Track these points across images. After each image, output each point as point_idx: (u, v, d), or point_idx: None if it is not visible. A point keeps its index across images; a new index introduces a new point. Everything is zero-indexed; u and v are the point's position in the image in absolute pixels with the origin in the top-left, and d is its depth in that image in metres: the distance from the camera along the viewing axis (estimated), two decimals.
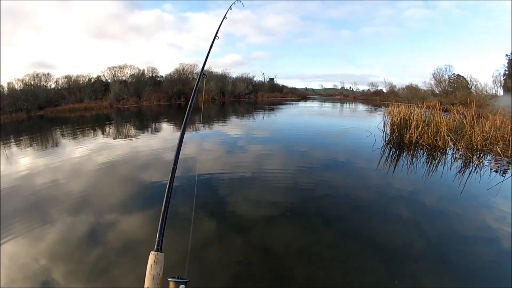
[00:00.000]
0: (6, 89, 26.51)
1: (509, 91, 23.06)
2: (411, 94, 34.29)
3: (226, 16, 2.93)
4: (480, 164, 6.68)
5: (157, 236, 1.22)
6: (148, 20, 76.14)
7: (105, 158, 7.39)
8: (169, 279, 1.16)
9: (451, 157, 7.39)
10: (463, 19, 70.03)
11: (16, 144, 10.82)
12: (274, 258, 3.09)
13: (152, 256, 1.13)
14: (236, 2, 3.27)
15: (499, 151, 7.27)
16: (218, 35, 2.60)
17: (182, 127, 1.79)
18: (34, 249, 3.29)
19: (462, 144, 8.09)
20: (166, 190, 1.42)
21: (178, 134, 1.76)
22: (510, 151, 7.37)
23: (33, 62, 54.17)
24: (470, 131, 8.26)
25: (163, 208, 1.31)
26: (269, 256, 3.15)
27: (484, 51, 65.05)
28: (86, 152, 8.30)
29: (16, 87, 27.45)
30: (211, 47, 2.50)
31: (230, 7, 3.13)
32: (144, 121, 18.52)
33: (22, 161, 7.56)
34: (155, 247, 1.19)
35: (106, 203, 4.54)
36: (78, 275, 2.82)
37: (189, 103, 1.92)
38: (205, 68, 2.49)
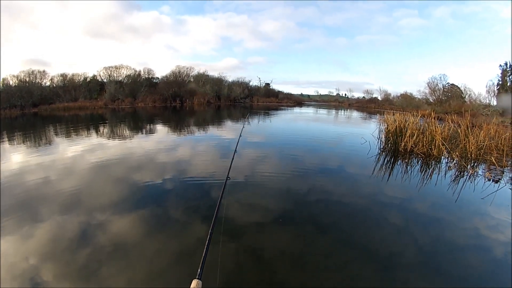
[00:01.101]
0: (0, 85, 26.28)
1: (502, 101, 23.34)
2: (406, 102, 34.56)
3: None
4: (474, 173, 6.71)
5: (200, 267, 1.44)
6: (146, 22, 76.23)
7: (98, 158, 7.31)
8: None
9: (446, 166, 7.42)
10: (458, 29, 71.11)
11: (8, 140, 10.68)
12: (266, 266, 3.05)
13: (194, 281, 1.31)
14: None
15: (493, 160, 7.32)
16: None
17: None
18: (24, 248, 3.22)
19: (457, 153, 8.13)
20: (211, 225, 1.61)
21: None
22: (504, 160, 7.42)
23: (28, 59, 54.02)
24: (464, 140, 8.31)
25: (207, 241, 1.52)
26: (261, 263, 3.09)
27: (478, 61, 66.08)
28: (79, 151, 8.21)
29: (10, 83, 27.24)
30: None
31: None
32: (139, 122, 18.40)
33: (14, 158, 7.45)
34: (197, 276, 1.37)
35: (97, 203, 4.47)
36: (67, 275, 2.76)
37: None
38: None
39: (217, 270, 2.22)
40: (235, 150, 2.53)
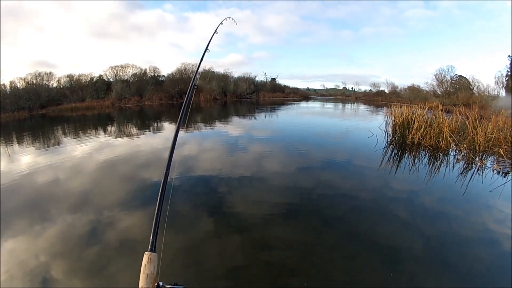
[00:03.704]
0: (8, 87, 26.55)
1: (511, 92, 23.00)
2: (413, 95, 34.18)
3: (217, 30, 2.93)
4: (482, 165, 6.65)
5: (151, 237, 1.24)
6: (150, 20, 75.95)
7: (106, 157, 7.40)
8: (166, 286, 1.18)
9: (453, 159, 7.36)
10: (465, 19, 69.59)
11: (18, 142, 10.84)
12: (273, 258, 3.09)
13: (146, 256, 1.16)
14: (227, 19, 3.26)
15: (501, 152, 7.24)
16: (209, 48, 2.59)
17: (176, 129, 1.84)
18: (34, 246, 3.30)
19: (465, 145, 8.06)
20: (160, 190, 1.46)
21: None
22: None
23: (35, 61, 54.32)
24: (472, 133, 8.23)
25: (156, 209, 1.33)
26: (268, 256, 3.14)
27: (486, 52, 64.61)
28: (87, 150, 8.32)
29: (18, 86, 27.51)
30: (201, 60, 2.51)
31: (221, 23, 3.13)
32: (146, 120, 18.52)
33: (24, 159, 7.58)
34: (149, 247, 1.20)
35: (106, 202, 4.54)
36: (77, 273, 2.82)
37: (181, 111, 1.92)
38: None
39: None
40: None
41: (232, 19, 3.34)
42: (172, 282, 1.20)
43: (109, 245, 3.31)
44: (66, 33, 59.36)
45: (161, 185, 1.50)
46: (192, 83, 2.23)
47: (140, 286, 1.10)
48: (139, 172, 6.06)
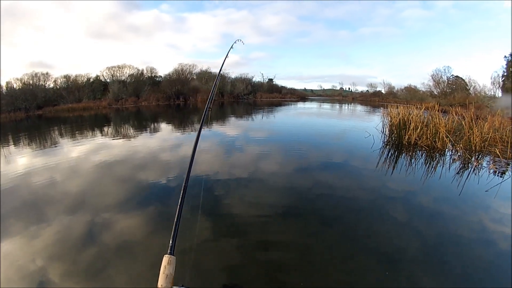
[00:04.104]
0: (4, 88, 26.41)
1: (507, 92, 23.11)
2: (410, 95, 34.33)
3: (228, 55, 3.01)
4: (478, 165, 6.69)
5: (170, 241, 1.35)
6: (146, 20, 75.96)
7: (103, 158, 7.38)
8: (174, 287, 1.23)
9: (450, 158, 7.40)
10: (461, 19, 69.99)
11: (14, 143, 10.79)
12: (271, 259, 3.09)
13: (166, 258, 1.26)
14: (237, 41, 3.31)
15: (497, 152, 7.28)
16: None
17: (197, 135, 1.91)
18: (31, 249, 3.28)
19: (461, 145, 8.10)
20: (180, 197, 1.53)
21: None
22: (508, 152, 7.38)
23: (31, 62, 54.22)
24: (468, 133, 8.27)
25: (176, 214, 1.42)
26: (266, 257, 3.14)
27: (482, 52, 64.91)
28: (84, 152, 8.29)
29: (14, 87, 27.40)
30: (215, 84, 2.58)
31: (231, 47, 3.19)
32: (143, 121, 18.48)
33: (20, 160, 7.54)
34: (168, 251, 1.29)
35: (103, 203, 4.53)
36: (74, 275, 2.81)
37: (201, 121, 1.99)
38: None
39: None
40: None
41: (241, 40, 3.38)
42: (180, 284, 1.26)
43: (107, 247, 3.29)
44: (63, 34, 59.35)
45: (181, 192, 1.58)
46: (209, 103, 2.30)
47: (159, 285, 1.18)
48: (136, 174, 6.04)
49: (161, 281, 1.18)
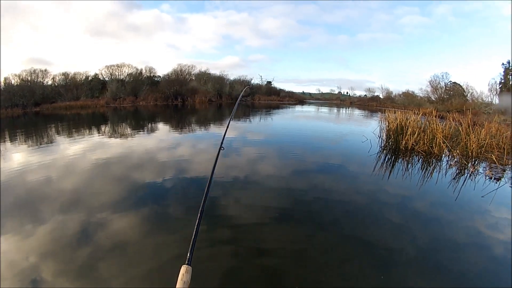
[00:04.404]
0: (2, 84, 26.31)
1: (507, 94, 23.25)
2: (408, 101, 34.50)
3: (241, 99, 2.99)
4: (475, 171, 6.71)
5: (189, 252, 1.38)
6: (147, 20, 75.75)
7: (99, 157, 7.34)
8: None
9: (446, 164, 7.42)
10: (459, 27, 70.20)
11: (10, 140, 10.73)
12: (267, 263, 3.07)
13: (183, 268, 1.27)
14: (247, 89, 3.31)
15: (494, 158, 7.31)
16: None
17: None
18: (24, 246, 3.24)
19: (458, 151, 8.13)
20: (200, 208, 1.60)
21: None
22: (505, 158, 7.41)
23: (30, 58, 53.93)
24: (465, 139, 8.30)
25: (195, 226, 1.52)
26: (261, 260, 3.12)
27: (480, 59, 65.44)
28: (80, 150, 8.24)
29: (12, 82, 27.28)
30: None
31: (243, 90, 3.21)
32: (140, 121, 18.45)
33: (15, 157, 7.50)
34: (186, 262, 1.33)
35: (98, 202, 4.49)
36: (68, 274, 2.78)
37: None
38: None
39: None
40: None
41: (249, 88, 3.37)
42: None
43: (101, 247, 3.26)
44: (63, 31, 59.18)
45: (202, 202, 1.67)
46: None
47: None
48: (132, 173, 6.01)
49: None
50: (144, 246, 3.27)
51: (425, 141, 8.59)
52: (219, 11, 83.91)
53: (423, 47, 76.93)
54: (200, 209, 1.63)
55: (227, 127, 1.87)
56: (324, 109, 34.55)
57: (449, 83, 33.58)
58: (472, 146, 8.05)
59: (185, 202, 4.59)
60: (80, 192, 4.92)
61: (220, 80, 40.47)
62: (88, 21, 60.67)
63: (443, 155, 8.26)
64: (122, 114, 22.06)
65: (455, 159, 7.81)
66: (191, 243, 1.43)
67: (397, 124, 9.22)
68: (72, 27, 62.17)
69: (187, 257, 1.35)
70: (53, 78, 30.60)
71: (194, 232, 1.51)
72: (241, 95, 2.17)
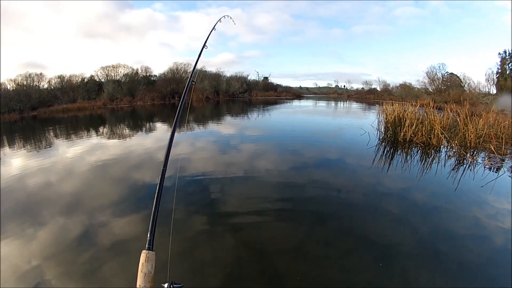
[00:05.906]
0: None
1: (502, 90, 23.27)
2: (405, 92, 34.45)
3: (215, 27, 2.94)
4: (473, 161, 6.73)
5: (148, 235, 1.29)
6: (140, 20, 75.20)
7: (98, 159, 7.32)
8: (163, 285, 1.21)
9: (445, 155, 7.44)
10: (454, 17, 69.84)
11: (8, 145, 10.71)
12: (267, 257, 3.08)
13: (143, 254, 1.19)
14: (225, 17, 3.25)
15: (492, 148, 7.32)
16: (206, 44, 2.60)
17: (172, 129, 1.84)
18: (26, 250, 3.25)
19: (456, 141, 8.15)
20: (157, 190, 1.48)
21: (171, 133, 1.78)
22: (503, 148, 7.43)
23: (24, 62, 53.60)
24: (463, 129, 8.31)
25: (153, 208, 1.37)
26: (262, 255, 3.13)
27: (477, 50, 65.34)
28: (79, 152, 8.23)
29: (8, 88, 27.13)
30: (199, 56, 2.52)
31: (219, 20, 3.13)
32: (138, 121, 18.41)
33: (15, 162, 7.48)
34: (146, 246, 1.26)
35: (98, 204, 4.49)
36: (70, 275, 2.79)
37: (178, 109, 1.93)
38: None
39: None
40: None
41: (231, 17, 3.32)
42: (170, 281, 1.23)
43: (103, 248, 3.27)
44: (55, 33, 58.81)
45: (158, 184, 1.54)
46: (190, 79, 2.24)
47: (138, 285, 1.11)
48: (132, 174, 6.01)
49: (139, 281, 1.12)
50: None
51: (423, 132, 8.60)
52: (211, 8, 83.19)
53: (418, 38, 76.68)
54: (157, 185, 1.54)
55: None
56: (322, 103, 34.52)
57: (446, 74, 33.51)
58: (470, 136, 8.06)
59: (184, 200, 4.58)
60: (80, 195, 4.92)
61: (216, 77, 40.28)
62: (80, 22, 60.20)
63: (442, 146, 8.28)
64: (120, 115, 22.01)
65: (454, 150, 7.82)
66: (150, 222, 1.34)
67: (395, 116, 9.22)
68: (64, 29, 61.84)
69: (147, 240, 1.29)
70: (49, 82, 30.38)
71: (153, 210, 1.42)
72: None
